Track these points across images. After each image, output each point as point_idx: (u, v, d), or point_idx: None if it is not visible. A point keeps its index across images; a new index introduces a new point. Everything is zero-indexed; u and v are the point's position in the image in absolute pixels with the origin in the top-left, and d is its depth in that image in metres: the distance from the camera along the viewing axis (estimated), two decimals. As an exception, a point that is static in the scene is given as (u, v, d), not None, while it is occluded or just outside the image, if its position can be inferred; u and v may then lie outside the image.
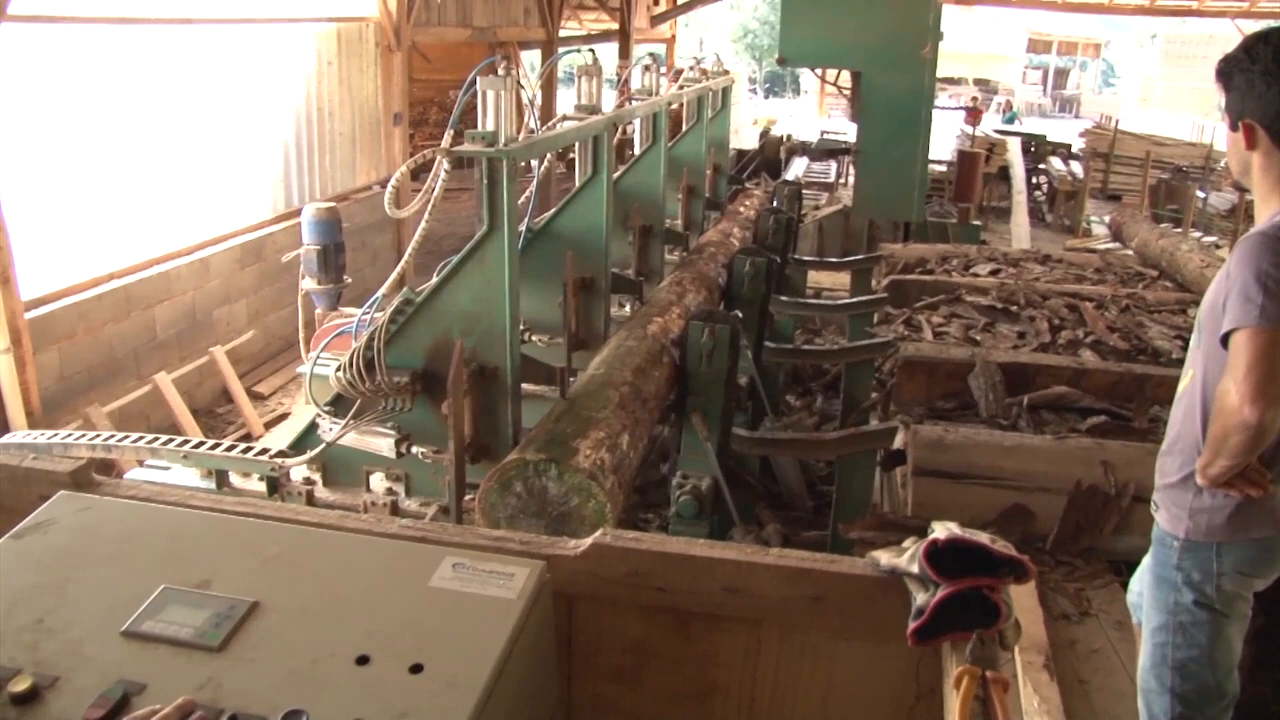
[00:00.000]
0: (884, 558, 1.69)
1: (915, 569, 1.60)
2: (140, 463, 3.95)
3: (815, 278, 8.28)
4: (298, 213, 7.47)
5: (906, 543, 1.67)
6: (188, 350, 7.85)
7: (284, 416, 7.63)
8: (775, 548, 1.86)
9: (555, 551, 1.83)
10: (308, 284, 6.62)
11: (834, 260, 8.56)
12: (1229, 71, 2.36)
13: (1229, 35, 21.86)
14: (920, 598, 1.59)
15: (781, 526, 4.76)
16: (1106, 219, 12.42)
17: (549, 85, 14.42)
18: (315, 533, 1.87)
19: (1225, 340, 2.20)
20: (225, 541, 1.80)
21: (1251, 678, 3.19)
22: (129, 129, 7.62)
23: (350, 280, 6.85)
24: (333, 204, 7.07)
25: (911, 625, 1.59)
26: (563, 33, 16.87)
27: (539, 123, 3.87)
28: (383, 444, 3.41)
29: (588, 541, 1.84)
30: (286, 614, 1.61)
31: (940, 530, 1.59)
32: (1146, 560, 2.74)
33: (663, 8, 21.75)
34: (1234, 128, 2.36)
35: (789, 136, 18.00)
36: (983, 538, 1.57)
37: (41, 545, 1.75)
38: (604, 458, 3.05)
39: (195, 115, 8.29)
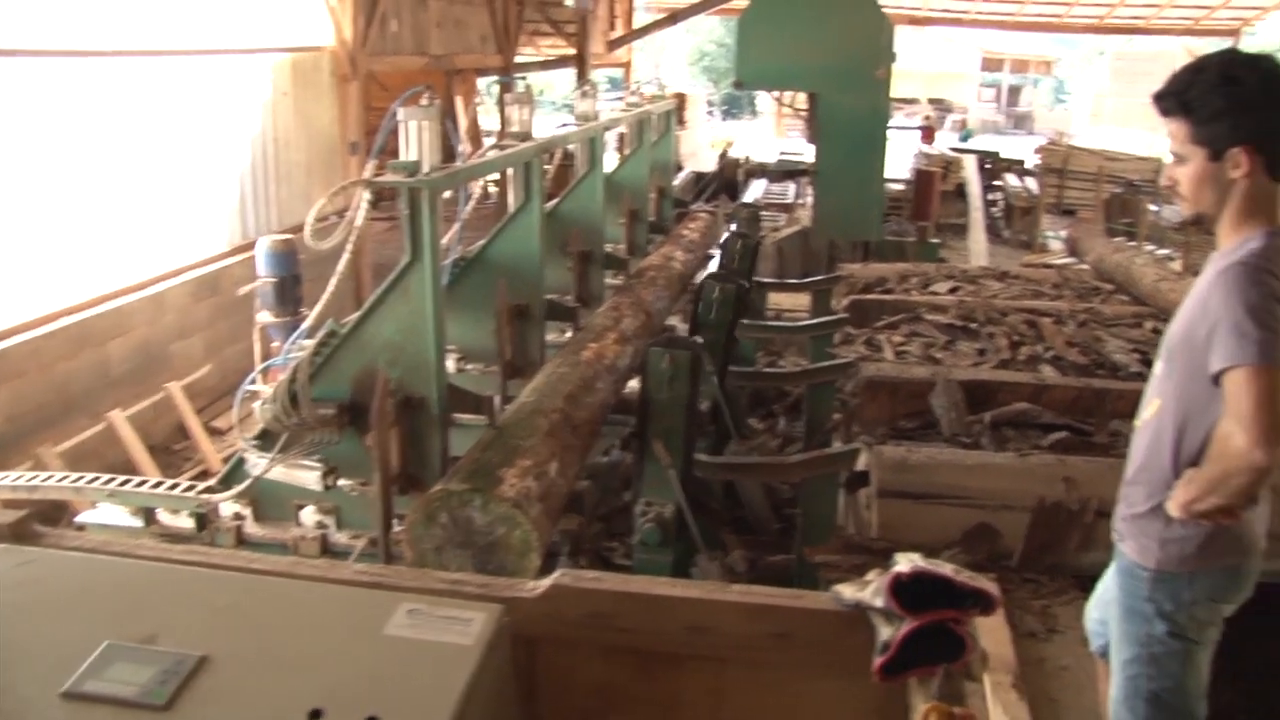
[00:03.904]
0: (848, 592, 1.66)
1: (879, 603, 1.58)
2: (94, 504, 3.88)
3: (775, 299, 8.29)
4: (254, 244, 7.39)
5: (870, 575, 1.64)
6: (143, 386, 7.71)
7: (243, 451, 7.52)
8: (741, 577, 1.84)
9: (514, 594, 1.80)
10: (264, 317, 6.53)
11: (794, 281, 8.58)
12: (1202, 100, 2.29)
13: (1175, 53, 22.26)
14: (885, 632, 1.57)
15: (747, 552, 4.73)
16: (1063, 234, 12.55)
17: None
18: (266, 581, 1.82)
19: (1217, 377, 2.17)
20: (173, 593, 1.75)
21: (1217, 689, 3.19)
22: (81, 162, 7.50)
23: (307, 312, 6.77)
24: (288, 235, 7.00)
25: (877, 661, 1.56)
26: (520, 59, 16.86)
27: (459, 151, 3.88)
28: (309, 477, 3.38)
29: (546, 582, 1.80)
30: (236, 668, 1.56)
31: (904, 563, 1.57)
32: (1105, 590, 2.72)
33: (619, 33, 21.83)
34: (1216, 157, 2.29)
35: (747, 158, 18.09)
36: (947, 569, 1.55)
37: (-21, 603, 1.69)
38: (530, 486, 3.04)
39: (149, 148, 8.18)
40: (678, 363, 3.87)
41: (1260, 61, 2.31)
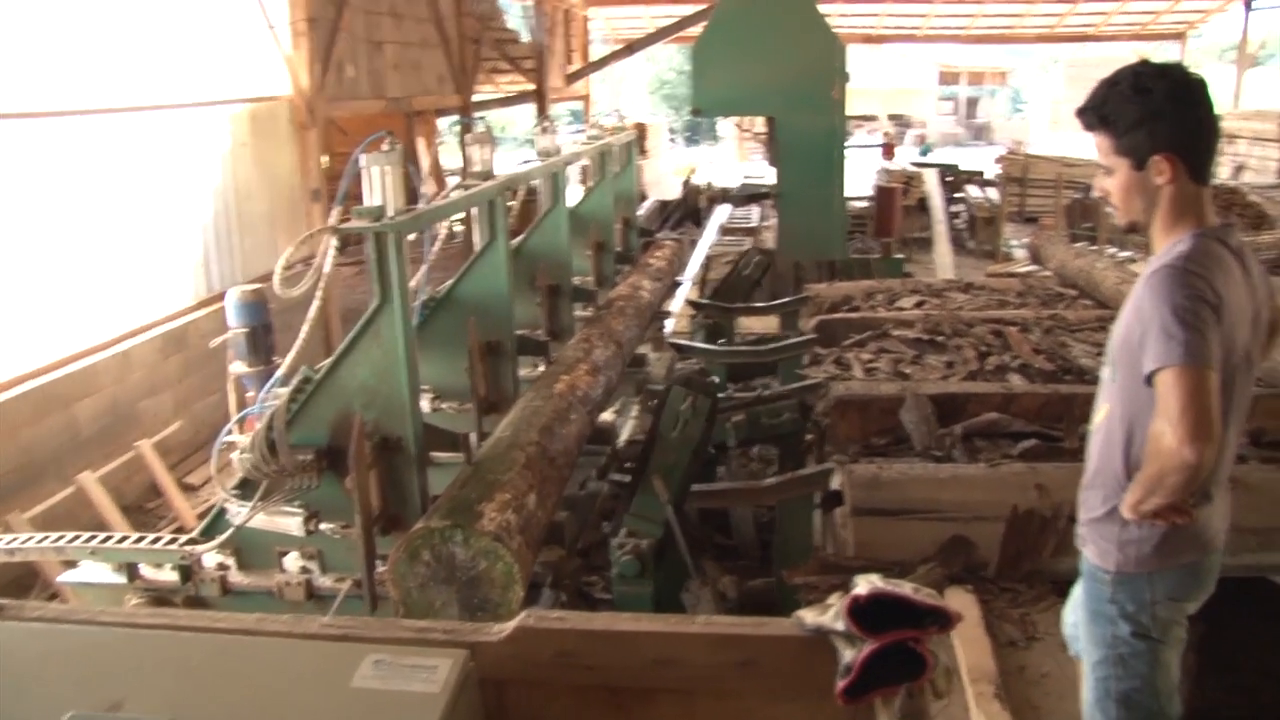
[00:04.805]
0: (809, 617, 1.67)
1: (840, 626, 1.59)
2: (72, 564, 3.86)
3: (745, 323, 8.33)
4: (220, 297, 7.35)
5: (831, 599, 1.66)
6: (113, 446, 7.66)
7: (218, 506, 7.47)
8: (731, 603, 1.85)
9: (480, 638, 1.79)
10: (238, 367, 6.52)
11: (761, 305, 8.61)
12: (1118, 112, 2.36)
13: (1127, 58, 22.56)
14: (847, 655, 1.58)
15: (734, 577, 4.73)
16: (1026, 242, 12.66)
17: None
18: (232, 640, 1.81)
19: (1149, 379, 2.22)
20: (139, 658, 1.74)
21: (1200, 685, 3.21)
22: (41, 222, 7.48)
23: (280, 360, 6.75)
24: (258, 285, 6.99)
25: (840, 684, 1.57)
26: (478, 96, 16.91)
27: (422, 192, 3.91)
28: (291, 523, 3.39)
29: (511, 625, 1.80)
30: (203, 730, 1.56)
31: (862, 585, 1.58)
32: (1078, 593, 2.75)
33: (576, 66, 21.97)
34: (1140, 166, 2.36)
35: (710, 184, 18.15)
36: (905, 589, 1.56)
37: (-60, 681, 1.67)
38: (510, 519, 3.06)
39: (109, 205, 8.16)
40: (697, 405, 3.90)
41: (1169, 71, 2.38)
